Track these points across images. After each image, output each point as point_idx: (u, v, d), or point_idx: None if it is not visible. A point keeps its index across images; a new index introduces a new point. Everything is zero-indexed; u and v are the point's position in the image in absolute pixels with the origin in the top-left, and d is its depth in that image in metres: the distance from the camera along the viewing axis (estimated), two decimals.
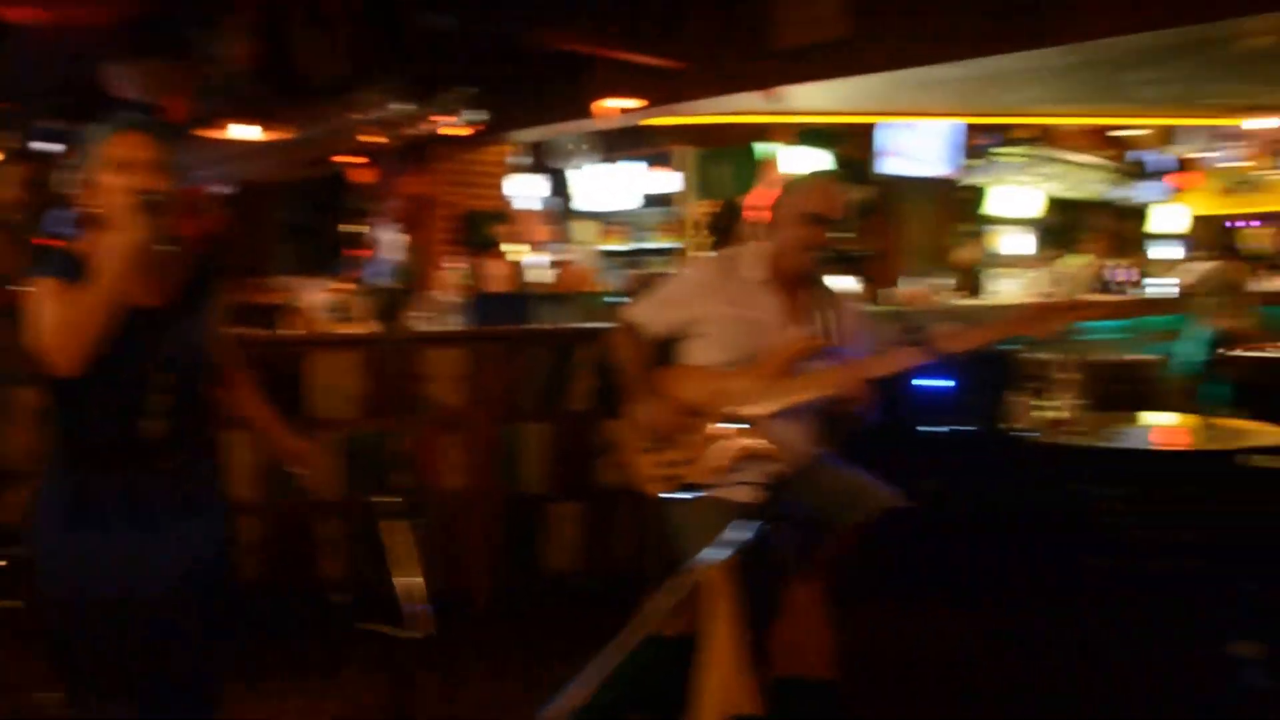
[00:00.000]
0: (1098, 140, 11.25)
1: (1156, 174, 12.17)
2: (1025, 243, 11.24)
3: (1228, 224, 11.48)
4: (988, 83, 6.68)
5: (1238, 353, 6.58)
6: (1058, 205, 11.29)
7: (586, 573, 4.87)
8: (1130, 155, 11.81)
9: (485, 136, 7.83)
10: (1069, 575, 4.19)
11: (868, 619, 4.11)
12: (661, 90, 6.69)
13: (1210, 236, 12.26)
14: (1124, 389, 5.22)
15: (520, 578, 4.82)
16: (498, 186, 8.68)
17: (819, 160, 8.40)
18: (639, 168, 9.54)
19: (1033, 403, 3.86)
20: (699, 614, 2.30)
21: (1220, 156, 12.29)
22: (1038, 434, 3.85)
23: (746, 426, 2.99)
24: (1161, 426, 4.82)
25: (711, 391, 3.13)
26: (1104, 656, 3.95)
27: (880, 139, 8.69)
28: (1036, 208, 11.09)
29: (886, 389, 3.19)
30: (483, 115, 7.32)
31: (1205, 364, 6.58)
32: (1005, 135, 10.04)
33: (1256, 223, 12.33)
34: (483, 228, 8.15)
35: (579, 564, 4.90)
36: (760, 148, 8.10)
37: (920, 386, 3.52)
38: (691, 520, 3.00)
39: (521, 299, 6.64)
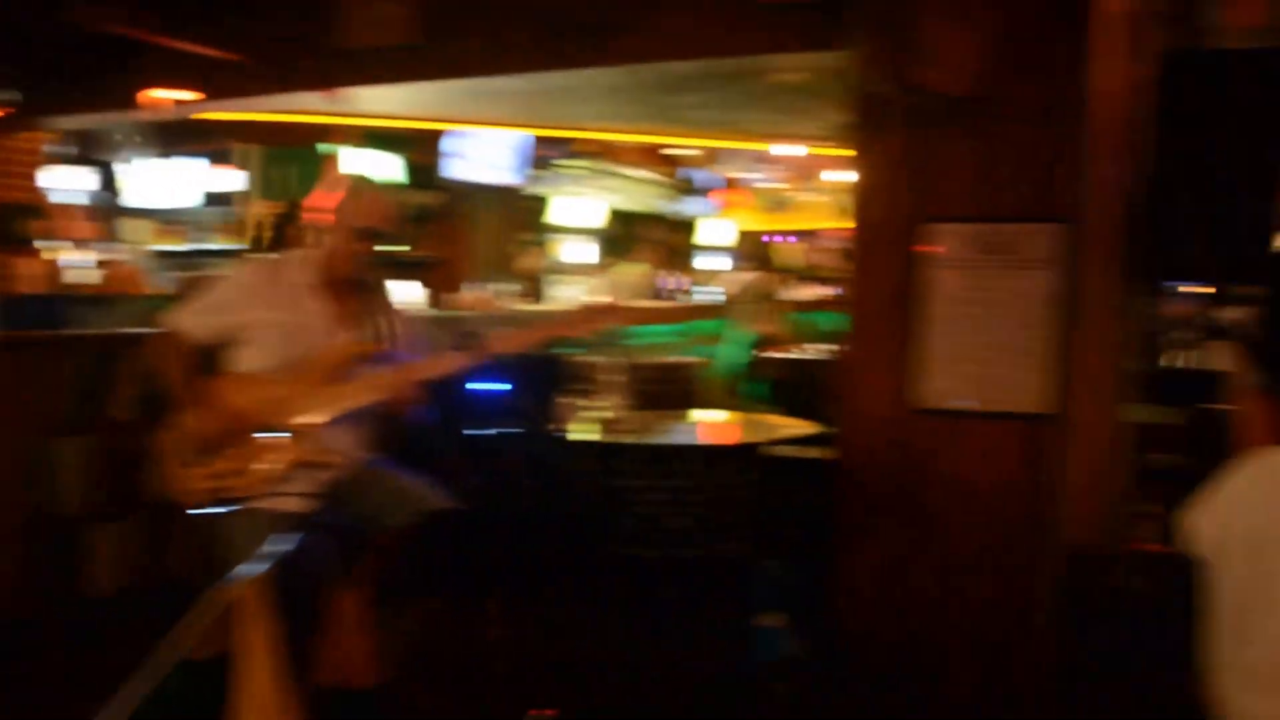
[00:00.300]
0: (653, 157, 11.92)
1: (704, 191, 13.15)
2: (587, 251, 11.74)
3: (765, 239, 12.63)
4: (552, 97, 6.91)
5: (772, 354, 7.29)
6: (617, 216, 11.87)
7: (136, 595, 4.58)
8: (682, 172, 12.65)
9: (17, 121, 7.10)
10: (617, 566, 4.45)
11: (418, 621, 4.17)
12: (218, 83, 6.34)
13: (753, 250, 13.45)
14: (671, 389, 5.58)
15: (59, 605, 4.45)
16: (33, 177, 7.89)
17: (386, 164, 8.35)
18: (199, 164, 9.04)
19: (581, 404, 4.08)
20: (233, 633, 2.23)
21: (760, 178, 13.53)
22: (585, 433, 4.06)
23: (295, 435, 2.94)
24: (703, 423, 5.23)
25: (260, 399, 3.05)
26: (653, 637, 4.24)
27: (448, 145, 8.77)
28: (598, 218, 11.61)
29: (441, 393, 3.24)
30: (14, 96, 6.66)
31: (745, 365, 7.23)
32: (569, 148, 10.44)
33: (785, 238, 13.68)
34: (14, 222, 7.39)
35: (127, 586, 4.60)
36: (325, 148, 7.93)
37: (475, 390, 3.61)
38: (237, 534, 2.91)
39: (59, 301, 6.11)
